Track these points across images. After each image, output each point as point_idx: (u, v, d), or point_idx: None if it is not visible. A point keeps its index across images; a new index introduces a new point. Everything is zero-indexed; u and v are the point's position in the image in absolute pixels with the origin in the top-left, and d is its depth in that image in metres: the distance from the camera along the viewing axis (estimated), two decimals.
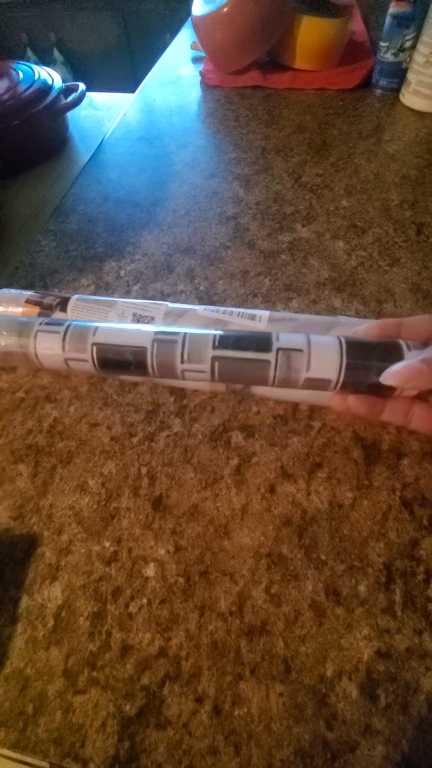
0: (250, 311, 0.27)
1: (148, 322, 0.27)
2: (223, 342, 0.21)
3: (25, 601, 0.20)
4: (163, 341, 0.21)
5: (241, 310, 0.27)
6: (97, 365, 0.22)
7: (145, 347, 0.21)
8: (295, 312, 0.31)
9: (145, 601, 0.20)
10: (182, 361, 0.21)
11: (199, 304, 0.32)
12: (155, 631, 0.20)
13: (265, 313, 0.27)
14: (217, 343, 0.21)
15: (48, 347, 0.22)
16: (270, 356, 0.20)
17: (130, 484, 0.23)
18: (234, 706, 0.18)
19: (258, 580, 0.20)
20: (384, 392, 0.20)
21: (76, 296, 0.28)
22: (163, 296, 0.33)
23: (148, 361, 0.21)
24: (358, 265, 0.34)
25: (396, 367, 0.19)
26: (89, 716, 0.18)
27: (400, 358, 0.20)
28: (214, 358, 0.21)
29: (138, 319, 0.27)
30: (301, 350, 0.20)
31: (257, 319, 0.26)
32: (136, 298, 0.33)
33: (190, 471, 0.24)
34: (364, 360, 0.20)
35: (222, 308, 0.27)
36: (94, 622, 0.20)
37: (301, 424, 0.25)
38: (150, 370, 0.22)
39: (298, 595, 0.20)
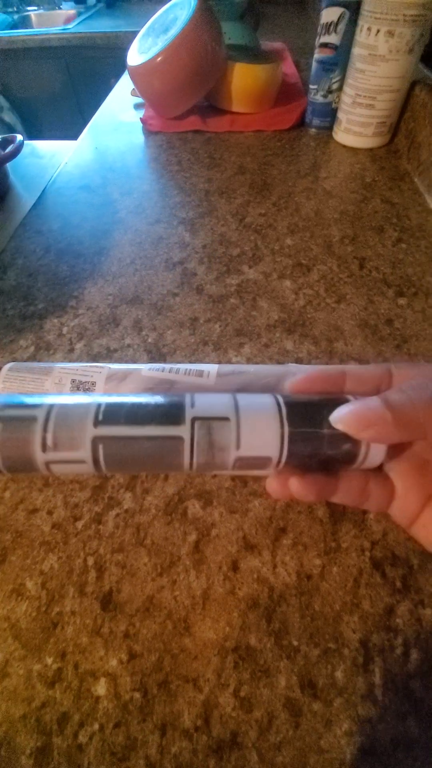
0: (197, 367, 0.25)
1: (88, 389, 0.25)
2: (111, 415, 0.15)
3: None
4: (13, 419, 0.15)
5: (188, 366, 0.26)
6: None
7: None
8: (247, 359, 0.30)
9: (96, 726, 0.17)
10: (45, 449, 0.15)
11: (148, 357, 0.31)
12: (110, 763, 0.17)
13: (213, 368, 0.25)
14: (101, 417, 0.15)
15: None
16: (183, 430, 0.15)
17: (74, 580, 0.20)
18: None
19: (225, 683, 0.18)
20: (338, 466, 0.17)
21: (8, 365, 0.26)
22: (109, 352, 0.31)
23: None
24: (306, 304, 0.34)
25: (349, 408, 0.15)
26: None
27: None
28: (96, 440, 0.15)
29: (77, 386, 0.25)
30: (226, 419, 0.16)
31: (205, 375, 0.25)
32: (80, 356, 0.31)
33: (143, 555, 0.21)
34: (312, 426, 0.16)
35: (168, 365, 0.26)
36: (39, 759, 0.17)
37: (262, 485, 0.24)
38: None
39: (271, 695, 0.18)
